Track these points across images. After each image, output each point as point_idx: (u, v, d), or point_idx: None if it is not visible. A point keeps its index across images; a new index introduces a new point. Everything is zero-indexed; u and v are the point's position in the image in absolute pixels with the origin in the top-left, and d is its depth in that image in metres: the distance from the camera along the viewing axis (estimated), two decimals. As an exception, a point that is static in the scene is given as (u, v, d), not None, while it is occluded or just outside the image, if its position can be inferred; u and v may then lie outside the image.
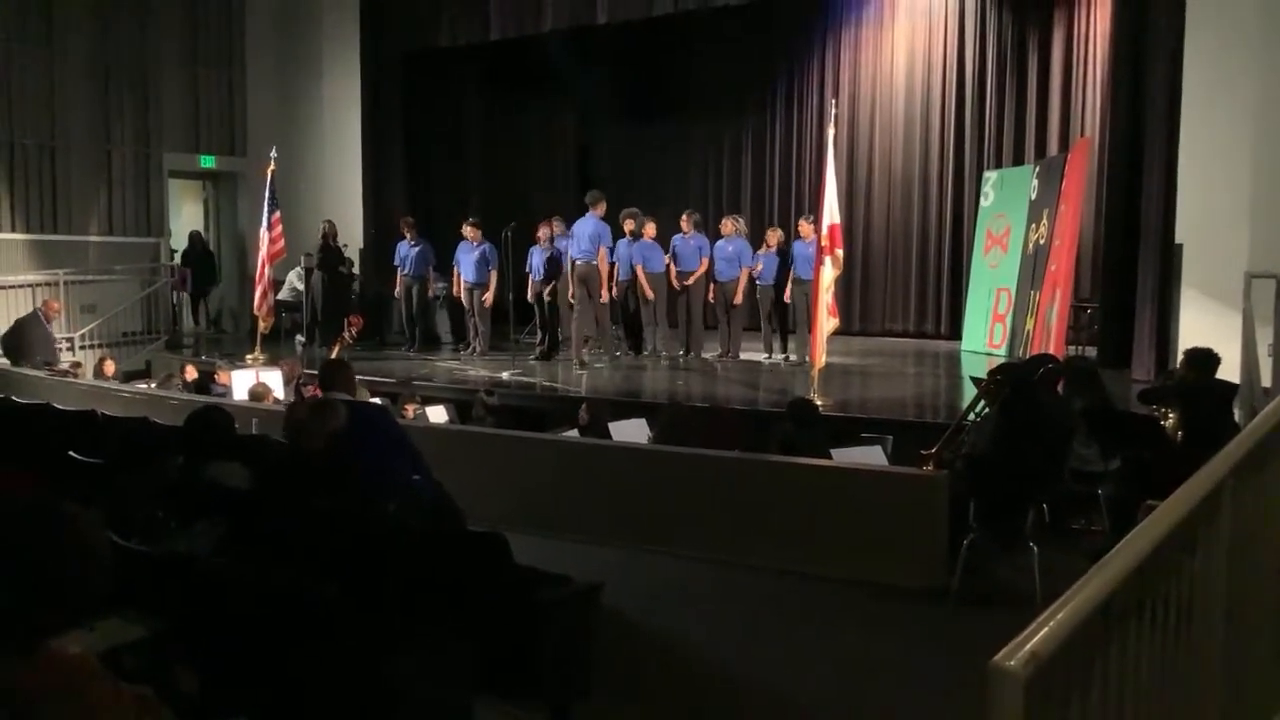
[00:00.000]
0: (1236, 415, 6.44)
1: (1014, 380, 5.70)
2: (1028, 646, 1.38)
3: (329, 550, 3.66)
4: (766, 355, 11.42)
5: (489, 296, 11.97)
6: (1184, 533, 1.97)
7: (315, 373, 9.16)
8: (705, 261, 11.17)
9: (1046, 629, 1.43)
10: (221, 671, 3.04)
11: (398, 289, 12.82)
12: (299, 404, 5.05)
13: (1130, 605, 1.74)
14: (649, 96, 15.32)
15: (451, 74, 14.60)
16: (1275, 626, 2.87)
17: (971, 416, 6.05)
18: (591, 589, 3.62)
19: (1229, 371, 6.83)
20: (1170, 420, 6.34)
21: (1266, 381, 7.05)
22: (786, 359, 11.19)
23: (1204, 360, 6.23)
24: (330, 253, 13.12)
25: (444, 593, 3.40)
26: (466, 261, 12.06)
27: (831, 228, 8.46)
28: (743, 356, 11.38)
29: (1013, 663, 1.34)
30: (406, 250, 12.61)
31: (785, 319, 11.38)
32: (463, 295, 12.26)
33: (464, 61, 14.48)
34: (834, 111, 8.94)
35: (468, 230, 12.07)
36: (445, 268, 12.65)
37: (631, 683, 4.13)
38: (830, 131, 8.79)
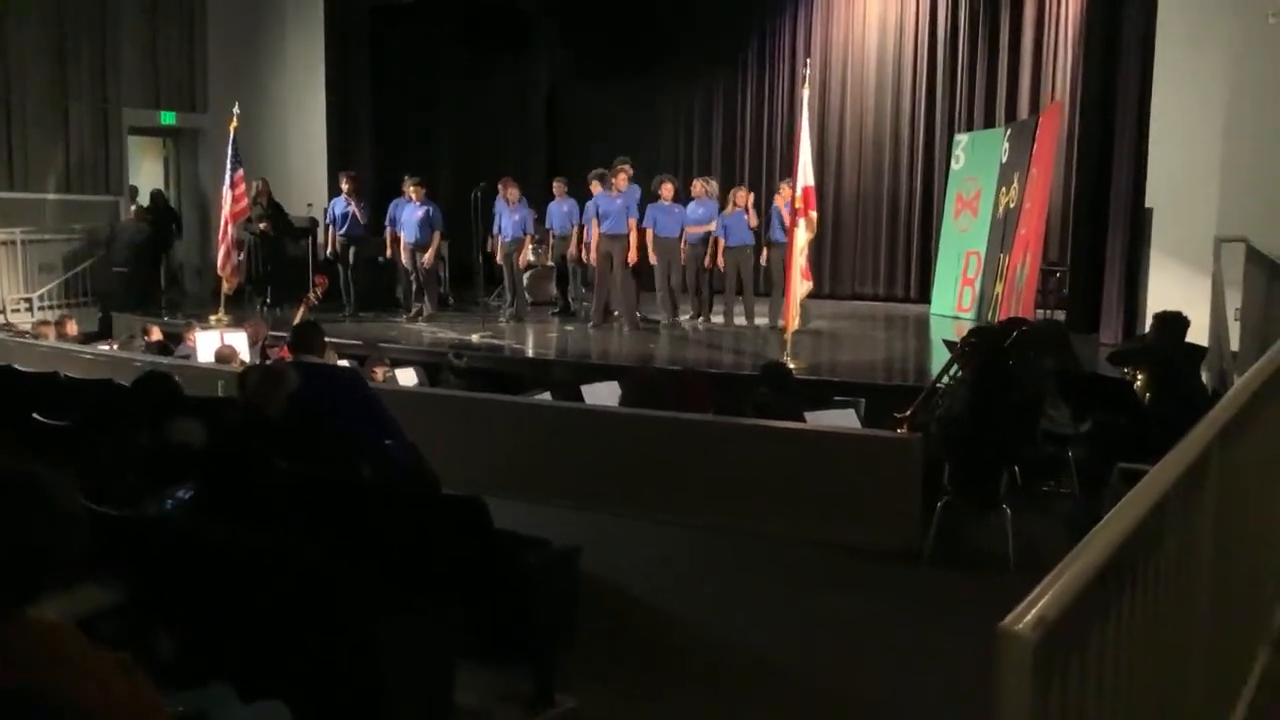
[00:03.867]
0: (1205, 378, 6.51)
1: (987, 344, 5.72)
2: (1035, 610, 1.37)
3: (305, 514, 3.61)
4: (742, 320, 11.21)
5: (429, 257, 11.70)
6: (1175, 498, 1.97)
7: (282, 335, 9.09)
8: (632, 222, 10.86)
9: (1052, 593, 1.42)
10: (199, 636, 3.00)
11: (331, 248, 12.24)
12: (250, 370, 5.03)
13: (1125, 570, 1.74)
14: (621, 56, 15.14)
15: (420, 30, 14.34)
16: (1255, 588, 2.91)
17: (945, 379, 6.07)
18: (571, 552, 3.61)
19: (1198, 335, 6.90)
20: (1139, 382, 6.40)
21: (1235, 345, 7.12)
22: (752, 323, 11.08)
23: (1173, 323, 6.28)
24: (275, 210, 12.87)
25: (424, 557, 3.37)
26: (409, 221, 11.70)
27: (806, 190, 8.43)
28: (716, 320, 11.36)
29: (1021, 626, 1.33)
30: (342, 208, 12.09)
31: (755, 282, 11.28)
32: (403, 256, 11.91)
33: (433, 17, 14.22)
34: (807, 73, 8.87)
35: (411, 189, 11.69)
36: (380, 227, 12.30)
37: (611, 646, 4.13)
38: (805, 93, 8.72)
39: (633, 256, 10.78)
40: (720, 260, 11.09)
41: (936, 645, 4.40)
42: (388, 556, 3.35)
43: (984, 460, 5.24)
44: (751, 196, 11.33)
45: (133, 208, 13.92)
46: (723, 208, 11.20)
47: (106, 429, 4.27)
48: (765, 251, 11.00)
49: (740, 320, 11.14)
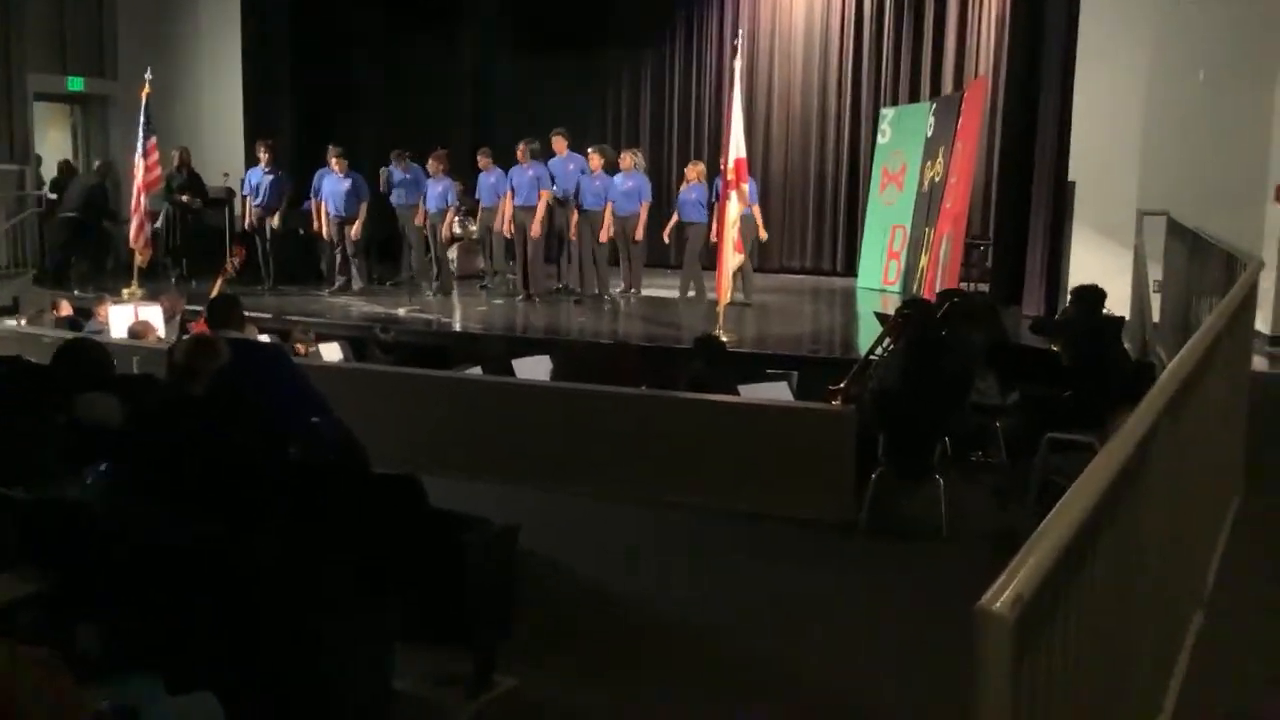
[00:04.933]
0: (1127, 347, 6.65)
1: (920, 316, 5.76)
2: (1011, 589, 1.34)
3: (232, 495, 3.47)
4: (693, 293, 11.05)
5: (356, 229, 11.49)
6: (1128, 472, 1.97)
7: (198, 309, 8.80)
8: (544, 194, 10.82)
9: (1026, 570, 1.40)
10: (123, 626, 2.87)
11: (248, 219, 11.90)
12: (178, 344, 4.80)
13: (1088, 544, 1.74)
14: (548, 29, 14.94)
15: (342, -1, 13.97)
16: (1189, 554, 2.96)
17: (878, 352, 6.10)
18: (509, 530, 3.53)
19: (1120, 305, 7.05)
20: (1058, 354, 6.52)
21: (1156, 316, 7.29)
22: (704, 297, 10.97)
23: (1090, 296, 6.42)
24: (195, 180, 12.46)
25: (358, 538, 3.26)
26: (333, 194, 11.48)
27: (738, 161, 8.39)
28: (645, 292, 11.31)
29: (999, 605, 1.31)
30: (260, 177, 11.76)
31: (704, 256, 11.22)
32: (328, 229, 11.66)
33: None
34: (739, 44, 8.81)
35: (334, 161, 11.46)
36: (302, 199, 12.04)
37: (550, 626, 4.07)
38: (736, 64, 8.66)
39: (531, 229, 10.79)
40: (666, 234, 11.17)
41: (877, 614, 4.43)
42: (320, 538, 3.24)
43: (917, 431, 5.28)
44: (702, 168, 11.12)
45: (96, 163, 13.32)
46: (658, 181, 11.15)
47: (16, 408, 4.05)
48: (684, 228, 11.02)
49: (692, 294, 11.07)
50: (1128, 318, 7.10)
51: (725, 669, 3.96)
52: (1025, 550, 1.49)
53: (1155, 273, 7.54)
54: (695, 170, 10.97)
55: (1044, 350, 6.50)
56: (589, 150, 10.93)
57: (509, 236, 11.26)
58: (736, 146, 8.43)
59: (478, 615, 3.37)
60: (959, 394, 5.60)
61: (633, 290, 11.26)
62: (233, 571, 2.88)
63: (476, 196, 11.65)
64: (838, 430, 5.62)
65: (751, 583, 4.81)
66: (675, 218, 11.10)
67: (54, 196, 13.98)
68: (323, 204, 11.62)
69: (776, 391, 7.00)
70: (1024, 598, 1.34)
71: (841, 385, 6.01)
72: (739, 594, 4.69)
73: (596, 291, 11.02)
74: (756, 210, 10.63)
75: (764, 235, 11.08)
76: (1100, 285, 6.39)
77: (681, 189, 11.09)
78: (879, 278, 12.46)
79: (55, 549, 2.97)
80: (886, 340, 6.07)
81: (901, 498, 5.56)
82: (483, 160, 11.53)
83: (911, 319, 5.71)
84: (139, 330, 8.52)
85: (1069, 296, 8.11)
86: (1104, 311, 6.49)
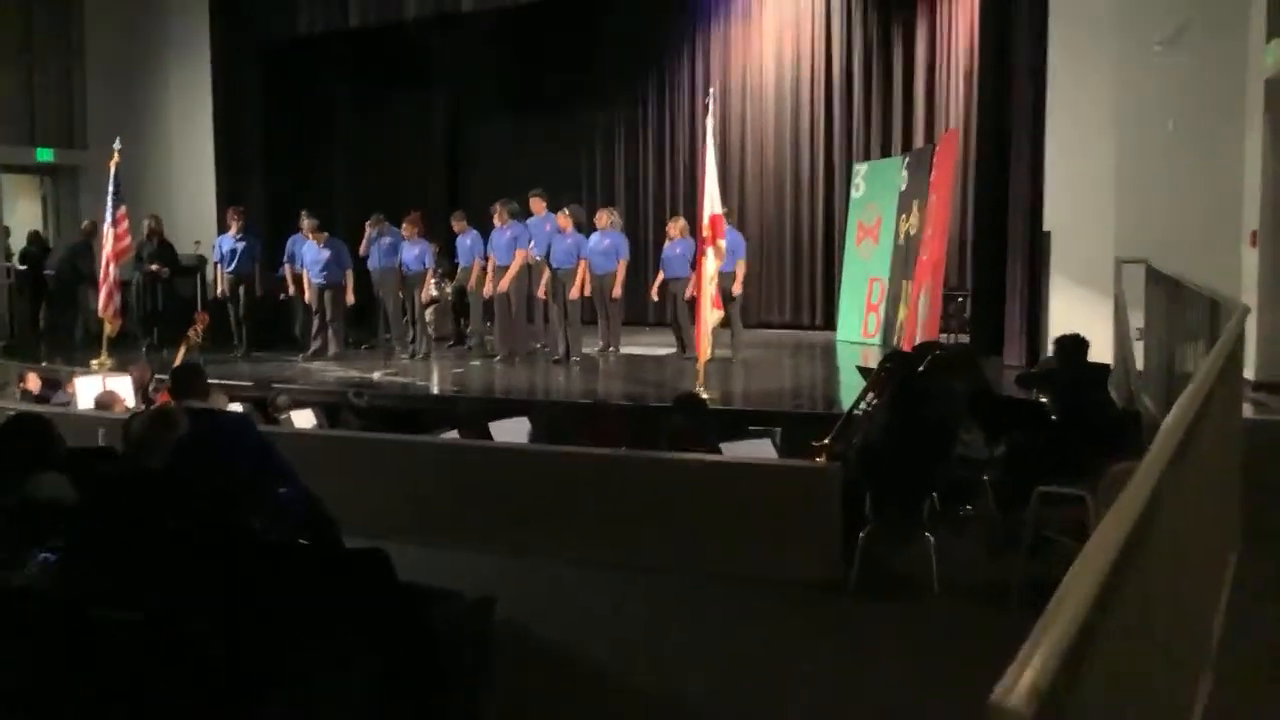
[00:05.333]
0: (1113, 394, 6.56)
1: (902, 368, 5.66)
2: (1026, 679, 1.21)
3: (188, 576, 3.30)
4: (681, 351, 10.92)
5: (349, 295, 11.45)
6: (1136, 535, 1.85)
7: (165, 377, 8.62)
8: (520, 253, 10.71)
9: (1039, 657, 1.26)
10: (73, 717, 2.68)
11: (220, 287, 11.89)
12: (134, 417, 4.63)
13: (1098, 618, 1.60)
14: (521, 89, 15.01)
15: (314, 64, 13.95)
16: (1195, 615, 2.83)
17: (862, 406, 5.99)
18: (484, 603, 3.36)
19: (1102, 354, 6.98)
20: (1044, 404, 6.43)
21: (1140, 364, 7.22)
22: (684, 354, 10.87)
23: (1073, 346, 6.34)
24: (166, 249, 12.36)
25: (323, 618, 3.09)
26: (313, 261, 11.43)
27: (713, 218, 8.33)
28: (624, 350, 11.20)
29: (1014, 700, 1.17)
30: (231, 244, 11.75)
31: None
32: (309, 294, 11.58)
33: (328, 51, 13.87)
34: (710, 102, 8.80)
35: (311, 233, 11.41)
36: (275, 265, 11.99)
37: (530, 699, 3.89)
38: (710, 121, 8.64)
39: (498, 285, 10.69)
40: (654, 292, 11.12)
41: (868, 678, 4.27)
42: (284, 620, 3.06)
43: (905, 486, 5.15)
44: (684, 224, 11.00)
45: (84, 223, 13.17)
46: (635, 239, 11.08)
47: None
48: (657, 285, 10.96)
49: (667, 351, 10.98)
50: (1111, 366, 7.03)
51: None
52: (1036, 635, 1.35)
53: (1136, 320, 7.48)
54: (677, 226, 10.87)
55: (1026, 401, 6.41)
56: (559, 212, 10.85)
57: (486, 297, 11.17)
58: (711, 202, 8.38)
59: (451, 696, 3.19)
60: (944, 446, 5.48)
61: (611, 349, 11.15)
62: (185, 654, 2.70)
63: (455, 259, 11.59)
64: (823, 487, 5.48)
65: (741, 649, 4.63)
66: (660, 275, 11.00)
67: (23, 268, 13.83)
68: (304, 271, 11.52)
69: (760, 449, 6.86)
70: (1040, 688, 1.20)
71: (825, 441, 5.88)
72: (727, 661, 4.51)
73: (569, 351, 10.87)
74: (740, 265, 10.58)
75: (738, 290, 10.95)
76: (1081, 334, 6.32)
77: (665, 245, 11.00)
78: (859, 330, 12.41)
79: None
80: (870, 394, 5.96)
81: (891, 555, 5.41)
82: (457, 224, 11.48)
83: (894, 372, 5.60)
84: (105, 400, 8.33)
85: (1051, 346, 8.06)
86: (1088, 360, 6.41)
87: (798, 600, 5.16)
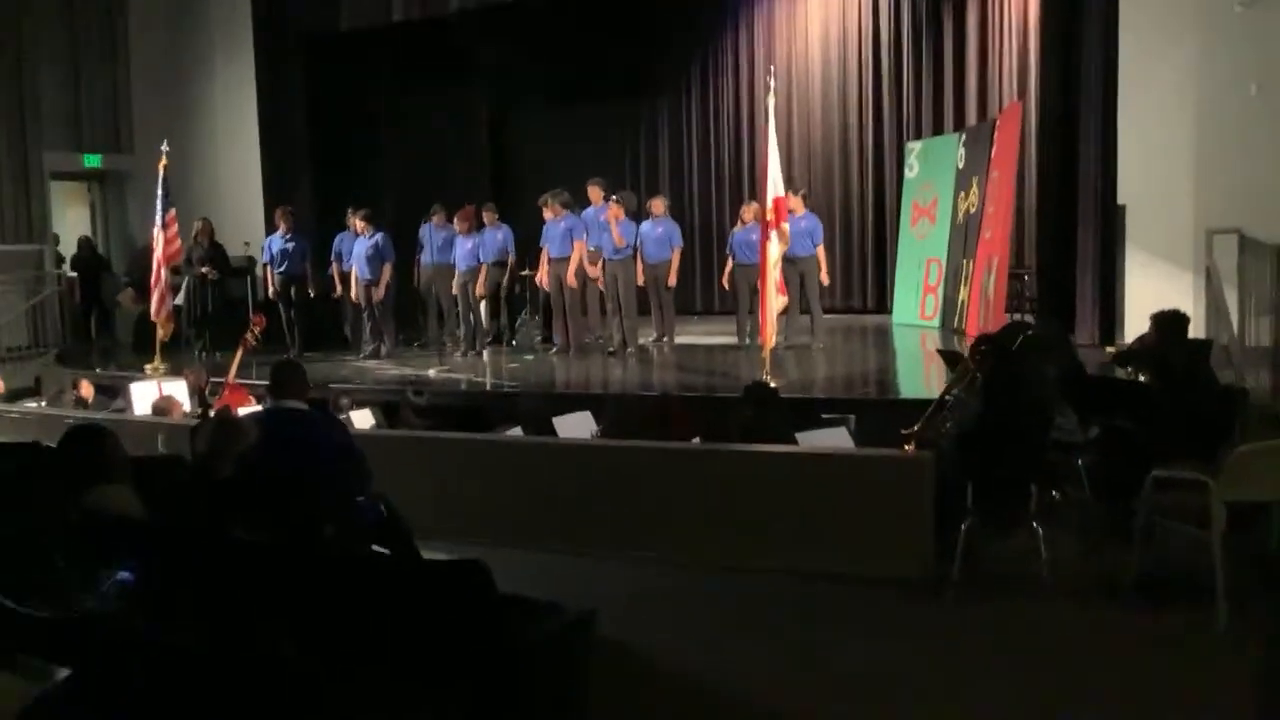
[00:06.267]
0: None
1: (996, 350, 5.34)
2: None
3: (264, 594, 3.09)
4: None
5: (381, 291, 11.20)
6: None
7: (221, 380, 8.49)
8: (579, 245, 10.48)
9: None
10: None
11: (271, 288, 11.70)
12: (200, 427, 4.41)
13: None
14: (563, 78, 14.80)
15: (358, 59, 13.79)
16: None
17: (955, 391, 5.67)
18: (585, 618, 3.12)
19: (1191, 329, 6.61)
20: (1145, 384, 6.09)
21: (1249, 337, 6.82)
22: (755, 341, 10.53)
23: (1172, 322, 5.98)
24: (216, 251, 12.27)
25: (414, 637, 2.86)
26: (358, 256, 11.22)
27: (776, 201, 8.03)
28: (679, 340, 10.94)
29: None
30: (280, 244, 11.56)
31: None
32: (354, 291, 11.39)
33: (369, 46, 13.71)
34: (772, 82, 8.49)
35: (358, 222, 11.21)
36: (325, 264, 11.84)
37: (630, 712, 3.64)
38: (770, 101, 8.34)
39: (569, 279, 10.46)
40: (725, 280, 10.80)
41: (976, 682, 3.98)
42: (371, 640, 2.84)
43: (1008, 474, 4.85)
44: (756, 209, 10.62)
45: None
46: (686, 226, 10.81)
47: (25, 503, 3.65)
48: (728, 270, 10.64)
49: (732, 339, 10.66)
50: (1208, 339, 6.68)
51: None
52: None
53: (1231, 292, 7.10)
54: (751, 211, 10.41)
55: (1126, 381, 6.06)
56: (610, 200, 10.56)
57: (545, 290, 10.98)
58: (774, 185, 8.07)
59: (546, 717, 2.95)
60: (1043, 431, 5.17)
61: (665, 339, 10.90)
62: (273, 686, 2.48)
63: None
64: (916, 477, 5.18)
65: (840, 656, 4.35)
66: (730, 261, 10.67)
67: (74, 274, 13.83)
68: (351, 269, 11.38)
69: (835, 437, 6.60)
70: None
71: (915, 429, 5.58)
72: (831, 671, 4.22)
73: (625, 341, 10.60)
74: (820, 251, 10.30)
75: (824, 279, 10.61)
76: (1180, 309, 5.96)
77: (737, 230, 10.64)
78: (915, 312, 12.10)
79: (69, 665, 2.59)
80: (966, 378, 5.64)
81: (991, 549, 5.11)
82: (488, 216, 11.23)
83: (987, 355, 5.29)
84: (162, 407, 8.21)
85: (1128, 321, 7.69)
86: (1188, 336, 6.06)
87: (894, 600, 4.87)
